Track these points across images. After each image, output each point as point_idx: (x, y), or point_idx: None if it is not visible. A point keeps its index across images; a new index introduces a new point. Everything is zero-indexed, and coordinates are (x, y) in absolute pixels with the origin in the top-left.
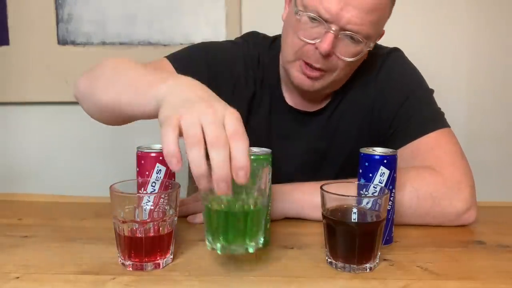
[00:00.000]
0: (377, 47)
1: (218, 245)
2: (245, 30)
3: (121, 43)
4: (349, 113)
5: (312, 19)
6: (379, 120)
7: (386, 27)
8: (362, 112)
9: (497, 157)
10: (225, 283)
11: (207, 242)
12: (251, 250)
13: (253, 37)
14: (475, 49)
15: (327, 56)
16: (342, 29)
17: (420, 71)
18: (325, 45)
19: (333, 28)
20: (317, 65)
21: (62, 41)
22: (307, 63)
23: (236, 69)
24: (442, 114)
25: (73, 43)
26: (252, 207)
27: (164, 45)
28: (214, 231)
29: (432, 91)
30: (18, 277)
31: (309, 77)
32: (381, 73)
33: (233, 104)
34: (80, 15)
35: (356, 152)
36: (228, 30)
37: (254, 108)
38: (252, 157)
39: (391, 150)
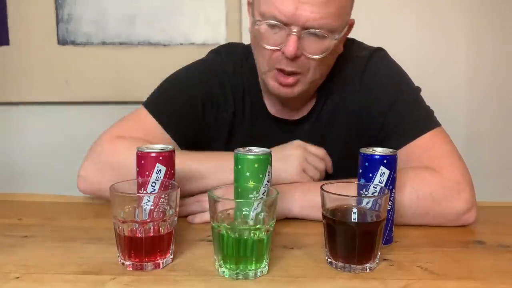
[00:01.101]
0: (360, 48)
1: (227, 271)
2: (245, 30)
3: (121, 43)
4: (336, 118)
5: (272, 25)
6: (368, 124)
7: (386, 27)
8: (349, 118)
9: (497, 157)
10: (225, 283)
11: (217, 266)
12: (258, 275)
13: (227, 48)
14: (475, 49)
15: (295, 58)
16: (303, 28)
17: (420, 70)
18: (290, 48)
19: (294, 30)
20: (290, 69)
21: (62, 41)
22: (280, 70)
23: (214, 93)
24: (432, 112)
25: (73, 43)
26: (264, 233)
27: (164, 45)
28: (225, 256)
29: (419, 89)
30: (18, 277)
31: (285, 85)
32: (366, 76)
33: (218, 127)
34: (80, 15)
35: (345, 157)
36: (228, 30)
37: (237, 122)
38: (252, 157)
39: (391, 150)
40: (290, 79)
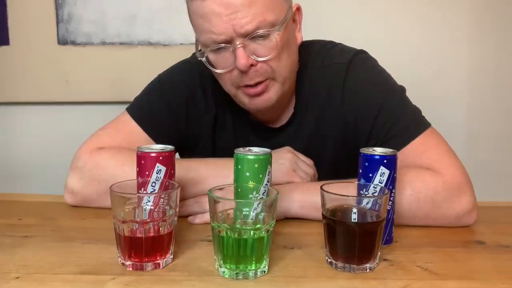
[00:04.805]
0: (340, 53)
1: (227, 271)
2: None
3: (121, 43)
4: (320, 127)
5: (217, 50)
6: (355, 132)
7: (387, 26)
8: (334, 126)
9: (497, 157)
10: (225, 283)
11: (217, 266)
12: (259, 275)
13: None
14: (475, 49)
15: (251, 67)
16: (243, 36)
17: (421, 70)
18: (241, 60)
19: (237, 43)
20: (254, 81)
21: (62, 41)
22: (246, 85)
23: (196, 96)
24: (419, 112)
25: (73, 43)
26: (264, 232)
27: (164, 45)
28: (225, 256)
29: (403, 89)
30: (18, 277)
31: (256, 94)
32: (347, 83)
33: (200, 133)
34: (80, 15)
35: (333, 170)
36: None
37: (219, 130)
38: (252, 157)
39: (391, 150)
40: (260, 88)
